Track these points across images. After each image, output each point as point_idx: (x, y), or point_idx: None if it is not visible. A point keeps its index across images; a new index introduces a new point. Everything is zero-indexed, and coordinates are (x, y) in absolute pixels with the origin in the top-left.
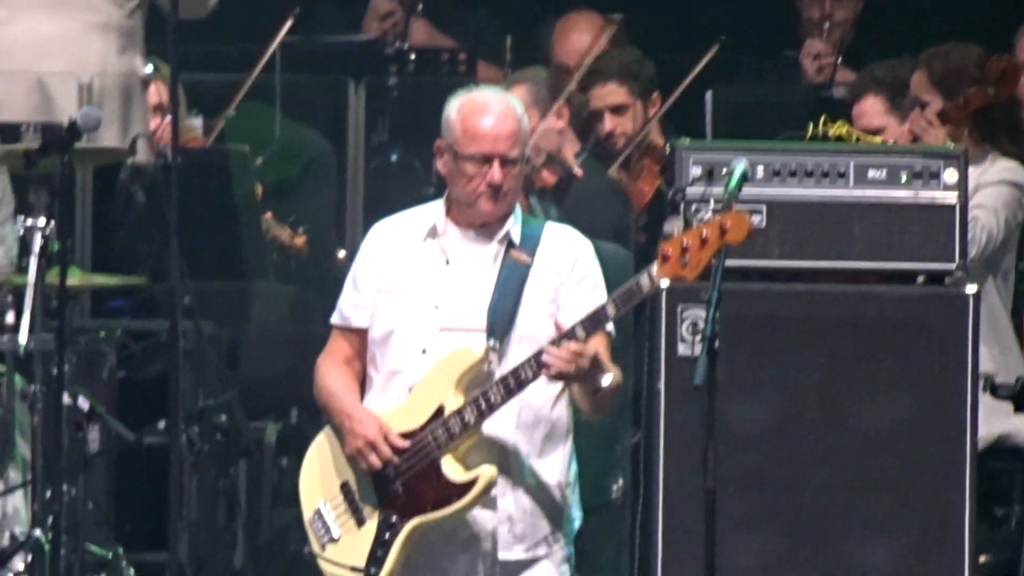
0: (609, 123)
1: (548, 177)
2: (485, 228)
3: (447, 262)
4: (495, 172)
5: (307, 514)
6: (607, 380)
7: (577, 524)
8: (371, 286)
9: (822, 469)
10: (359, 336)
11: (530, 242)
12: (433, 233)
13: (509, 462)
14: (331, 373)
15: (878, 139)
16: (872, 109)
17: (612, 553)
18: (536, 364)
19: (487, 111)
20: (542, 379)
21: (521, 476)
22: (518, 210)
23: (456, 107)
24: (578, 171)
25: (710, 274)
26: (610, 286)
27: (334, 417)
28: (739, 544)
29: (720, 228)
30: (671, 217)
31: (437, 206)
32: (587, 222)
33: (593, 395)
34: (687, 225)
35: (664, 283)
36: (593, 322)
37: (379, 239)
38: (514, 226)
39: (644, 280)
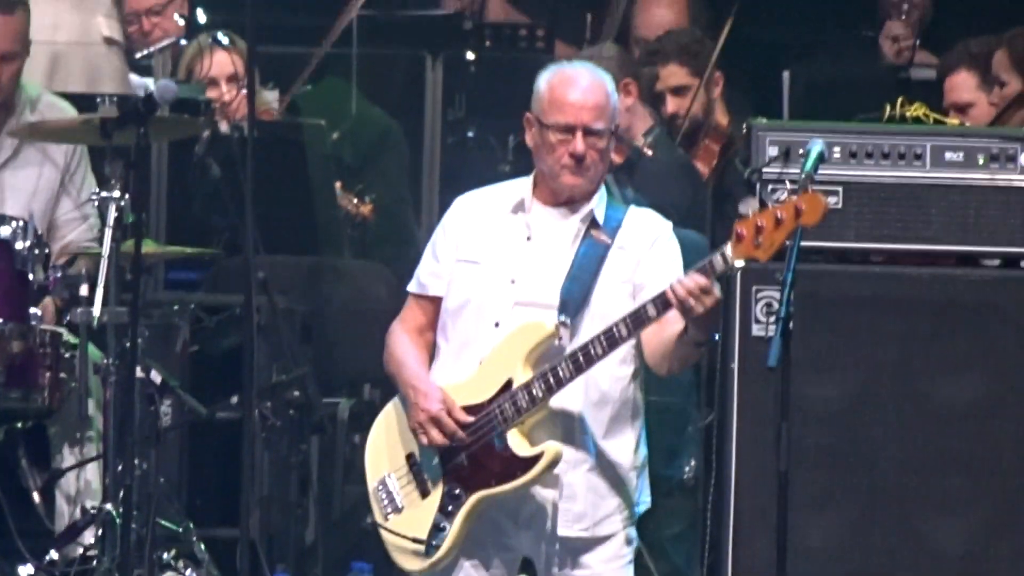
0: (671, 105)
1: (615, 155)
2: (569, 205)
3: (528, 238)
4: (577, 142)
5: (372, 484)
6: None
7: (644, 508)
8: (450, 256)
9: (896, 448)
10: (435, 305)
11: (612, 223)
12: (519, 208)
13: (575, 440)
14: (402, 342)
15: (956, 120)
16: (963, 84)
17: (683, 533)
18: (606, 341)
19: (574, 82)
20: (612, 359)
21: (586, 454)
22: (603, 191)
23: (546, 78)
24: (647, 150)
25: (784, 254)
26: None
27: (401, 387)
28: (811, 524)
29: (795, 209)
30: (746, 198)
31: (525, 182)
32: (657, 200)
33: (696, 347)
34: (763, 206)
35: (739, 264)
36: (664, 301)
37: (462, 211)
38: (598, 206)
39: (718, 259)
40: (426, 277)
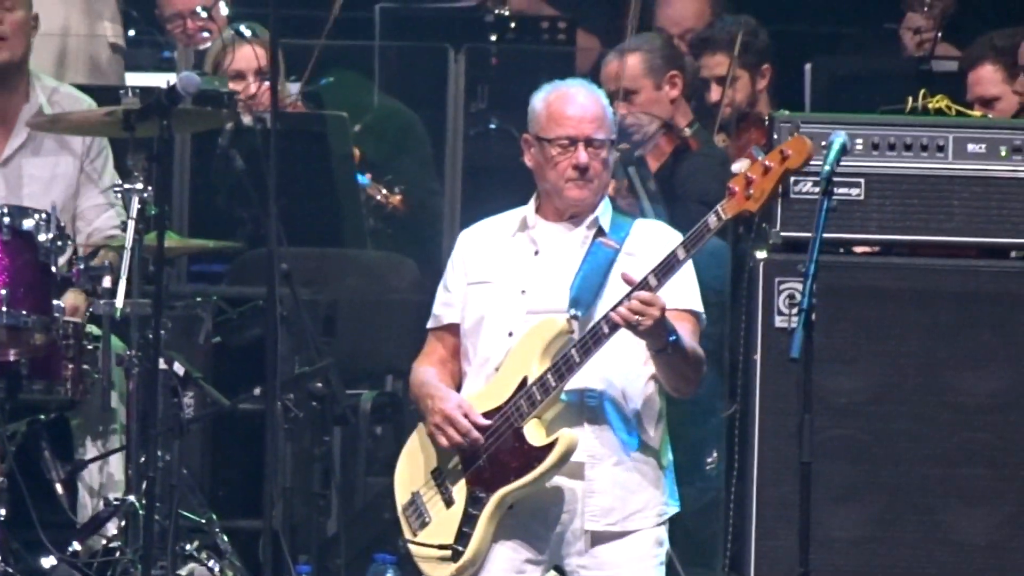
0: (716, 93)
1: (665, 145)
2: (574, 219)
3: (536, 252)
4: (580, 154)
5: (400, 505)
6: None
7: (673, 511)
8: (461, 283)
9: (919, 440)
10: (452, 334)
11: (619, 231)
12: (523, 226)
13: (600, 435)
14: (421, 370)
15: (978, 113)
16: (989, 77)
17: (706, 525)
18: (609, 321)
19: (571, 97)
20: (633, 358)
21: (611, 450)
22: (607, 202)
23: (542, 97)
24: (693, 142)
25: (807, 245)
26: (708, 276)
27: (420, 404)
28: (834, 516)
29: (781, 155)
30: (739, 159)
31: (526, 206)
32: (699, 191)
33: (659, 353)
34: (784, 196)
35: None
36: (665, 269)
37: (468, 242)
38: (603, 215)
39: (712, 218)
40: (439, 308)
